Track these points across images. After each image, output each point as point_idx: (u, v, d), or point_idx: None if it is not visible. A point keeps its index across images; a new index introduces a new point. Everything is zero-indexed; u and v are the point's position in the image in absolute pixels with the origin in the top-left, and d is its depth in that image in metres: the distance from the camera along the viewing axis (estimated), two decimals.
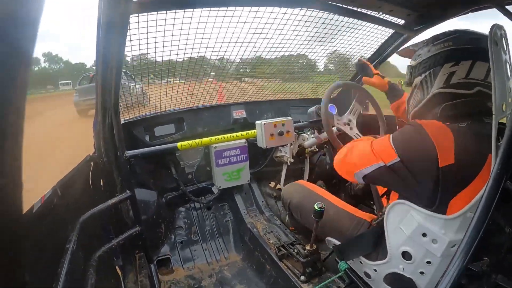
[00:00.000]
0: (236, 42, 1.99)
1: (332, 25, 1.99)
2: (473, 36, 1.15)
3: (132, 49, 1.66)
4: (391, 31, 2.09)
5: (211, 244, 2.47)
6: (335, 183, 2.65)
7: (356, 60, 1.97)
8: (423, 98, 1.27)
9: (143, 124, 2.41)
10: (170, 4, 1.43)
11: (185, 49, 1.87)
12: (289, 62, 2.81)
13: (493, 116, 0.91)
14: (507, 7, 1.26)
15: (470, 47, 1.14)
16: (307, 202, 1.76)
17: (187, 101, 2.53)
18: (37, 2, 0.41)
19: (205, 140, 2.21)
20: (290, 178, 2.60)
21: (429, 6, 1.54)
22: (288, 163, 2.54)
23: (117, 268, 1.85)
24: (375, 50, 2.41)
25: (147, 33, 1.59)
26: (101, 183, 1.94)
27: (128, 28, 1.41)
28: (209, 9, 1.58)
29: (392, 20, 1.75)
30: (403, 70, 1.42)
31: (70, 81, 39.87)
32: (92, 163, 1.84)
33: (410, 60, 1.36)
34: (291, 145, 2.48)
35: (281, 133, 2.28)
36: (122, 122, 1.86)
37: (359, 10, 1.63)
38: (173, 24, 1.59)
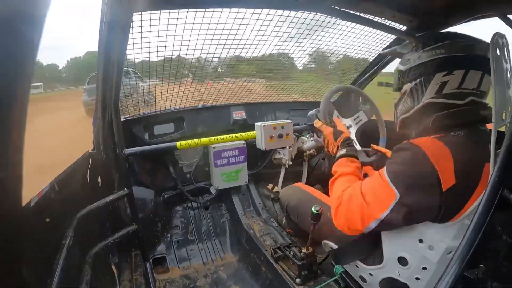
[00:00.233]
0: (234, 43, 2.00)
1: (335, 29, 2.00)
2: (465, 43, 1.12)
3: (134, 48, 1.66)
4: (393, 36, 2.10)
5: (207, 244, 2.47)
6: None
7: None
8: (413, 106, 1.23)
9: (142, 122, 2.41)
10: (175, 3, 1.42)
11: (187, 49, 1.88)
12: (290, 64, 2.81)
13: (493, 124, 0.91)
14: (509, 16, 1.26)
15: (463, 55, 1.11)
16: (304, 205, 1.75)
17: (191, 101, 2.54)
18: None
19: (204, 140, 2.21)
20: (288, 180, 2.60)
21: (431, 14, 1.54)
22: (287, 165, 2.54)
23: (112, 265, 1.84)
24: (376, 55, 2.42)
25: (149, 31, 1.59)
26: (99, 180, 1.94)
27: (131, 26, 1.40)
28: (212, 9, 1.58)
29: (394, 26, 1.75)
30: None
31: (40, 83, 36.26)
32: (90, 160, 1.84)
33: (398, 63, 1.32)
34: (290, 148, 2.48)
35: (280, 136, 2.28)
36: (122, 119, 1.86)
37: (362, 15, 1.64)
38: (176, 24, 1.59)
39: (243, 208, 2.58)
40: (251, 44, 2.05)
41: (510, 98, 0.99)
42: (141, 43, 1.64)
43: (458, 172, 1.02)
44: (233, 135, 2.33)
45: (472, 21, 1.51)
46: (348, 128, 1.95)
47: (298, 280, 1.74)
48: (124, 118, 2.27)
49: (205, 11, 1.58)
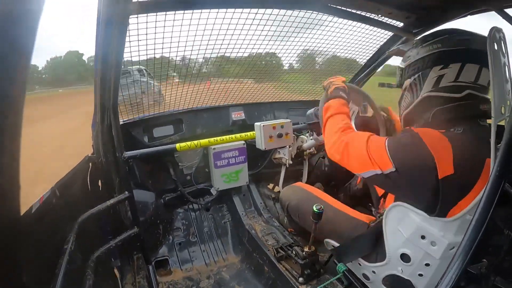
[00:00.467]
0: (230, 43, 1.99)
1: (331, 27, 2.00)
2: (462, 37, 1.14)
3: (131, 50, 1.65)
4: (390, 33, 2.09)
5: (209, 246, 2.47)
6: (333, 185, 2.65)
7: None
8: (413, 100, 1.26)
9: (142, 125, 2.41)
10: (171, 5, 1.42)
11: (191, 50, 1.89)
12: (288, 63, 2.81)
13: (492, 118, 0.91)
14: (506, 10, 1.26)
15: (459, 49, 1.13)
16: (305, 204, 1.75)
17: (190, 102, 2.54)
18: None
19: (204, 141, 2.21)
20: (289, 180, 2.60)
21: (428, 9, 1.55)
22: (287, 165, 2.54)
23: (115, 269, 1.84)
24: (374, 52, 2.42)
25: (146, 34, 1.59)
26: (100, 184, 1.93)
27: (128, 29, 1.40)
28: (208, 10, 1.58)
29: (391, 23, 1.75)
30: None
31: None
32: (90, 164, 1.84)
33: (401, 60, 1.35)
34: (289, 147, 2.48)
35: (280, 135, 2.28)
36: (120, 122, 1.86)
37: (359, 12, 1.64)
38: (172, 26, 1.59)
39: (244, 209, 2.58)
40: (248, 44, 2.04)
41: (508, 92, 0.99)
42: (138, 45, 1.64)
43: (457, 164, 1.04)
44: (233, 135, 2.33)
45: (469, 16, 1.51)
46: None
47: (301, 279, 1.73)
48: (123, 121, 2.27)
49: (201, 12, 1.58)
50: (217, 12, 1.61)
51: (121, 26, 1.32)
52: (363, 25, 1.96)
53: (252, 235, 2.22)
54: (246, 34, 1.91)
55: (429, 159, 1.05)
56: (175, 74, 2.25)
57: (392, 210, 1.24)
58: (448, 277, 0.81)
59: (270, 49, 2.23)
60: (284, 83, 3.04)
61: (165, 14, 1.49)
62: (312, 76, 3.02)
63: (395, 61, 1.53)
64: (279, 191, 2.61)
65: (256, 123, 2.31)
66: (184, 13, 1.53)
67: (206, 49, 1.94)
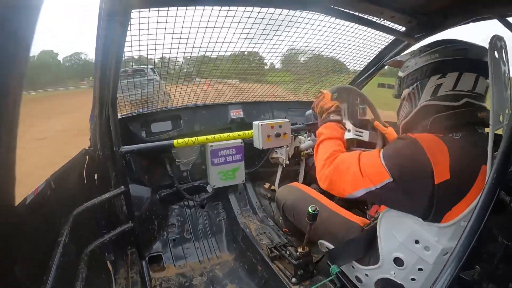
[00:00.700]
0: (232, 41, 1.99)
1: (333, 28, 2.00)
2: (459, 47, 1.15)
3: (132, 45, 1.65)
4: (392, 37, 2.10)
5: (204, 243, 2.47)
6: None
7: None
8: (412, 110, 1.26)
9: (140, 119, 2.40)
10: (174, 1, 1.41)
11: (192, 47, 1.88)
12: (290, 64, 2.81)
13: (491, 126, 0.91)
14: (508, 18, 1.27)
15: (456, 59, 1.14)
16: (301, 204, 1.76)
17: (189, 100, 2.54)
18: None
19: (202, 138, 2.21)
20: (285, 179, 2.61)
21: (431, 15, 1.55)
22: (284, 164, 2.54)
23: (108, 263, 1.84)
24: (375, 56, 2.42)
25: (147, 29, 1.58)
26: (96, 178, 1.93)
27: (130, 23, 1.40)
28: (211, 7, 1.57)
29: (393, 27, 1.75)
30: None
31: None
32: (87, 157, 1.83)
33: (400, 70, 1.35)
34: (287, 147, 2.48)
35: (278, 135, 2.28)
36: (119, 117, 1.85)
37: (361, 15, 1.64)
38: (174, 22, 1.59)
39: (240, 207, 2.58)
40: (242, 43, 2.06)
41: (507, 100, 1.00)
42: (139, 40, 1.63)
43: (453, 169, 1.04)
44: (231, 133, 2.33)
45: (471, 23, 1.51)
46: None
47: (294, 279, 1.74)
48: (121, 115, 2.26)
49: (203, 9, 1.57)
50: (220, 10, 1.61)
51: (123, 20, 1.31)
52: (365, 28, 1.97)
53: (247, 233, 2.23)
54: (248, 33, 1.92)
55: (426, 164, 1.05)
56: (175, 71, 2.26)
57: (387, 214, 1.25)
58: (441, 283, 0.81)
59: (259, 49, 2.24)
60: (283, 83, 3.04)
61: (167, 10, 1.49)
62: (311, 77, 3.02)
63: None
64: (275, 191, 2.62)
65: (254, 122, 2.31)
66: (186, 9, 1.52)
67: (207, 46, 1.95)
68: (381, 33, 2.02)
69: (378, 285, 1.36)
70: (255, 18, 1.75)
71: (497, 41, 0.97)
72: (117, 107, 1.76)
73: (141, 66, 2.26)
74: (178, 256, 2.35)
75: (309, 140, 2.44)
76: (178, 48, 1.83)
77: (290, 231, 2.16)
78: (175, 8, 1.48)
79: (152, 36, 1.65)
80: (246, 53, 2.29)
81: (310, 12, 1.75)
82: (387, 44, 2.22)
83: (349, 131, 1.92)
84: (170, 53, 1.85)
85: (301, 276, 1.74)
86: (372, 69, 2.52)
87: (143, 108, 2.45)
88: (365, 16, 1.65)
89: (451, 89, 1.14)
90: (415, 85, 1.23)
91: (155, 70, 2.71)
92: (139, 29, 1.55)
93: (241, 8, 1.63)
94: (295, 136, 2.54)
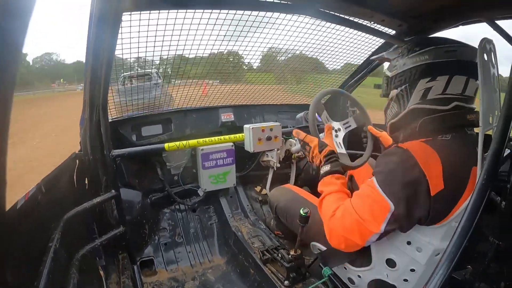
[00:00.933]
0: (229, 44, 2.01)
1: (324, 31, 2.02)
2: (449, 49, 1.13)
3: (122, 48, 1.65)
4: (382, 40, 2.12)
5: (195, 247, 2.46)
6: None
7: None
8: (400, 111, 1.25)
9: (130, 123, 2.38)
10: (166, 4, 1.41)
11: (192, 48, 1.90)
12: (285, 66, 2.82)
13: (480, 128, 0.92)
14: (497, 22, 1.29)
15: (447, 61, 1.12)
16: (294, 206, 1.75)
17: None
18: None
19: (193, 142, 2.20)
20: (276, 182, 2.60)
21: (421, 18, 1.57)
22: (275, 167, 2.54)
23: (99, 268, 1.81)
24: (364, 59, 2.44)
25: (138, 31, 1.58)
26: (86, 182, 1.90)
27: (121, 26, 1.39)
28: (202, 10, 1.57)
29: (383, 30, 1.77)
30: None
31: None
32: (77, 161, 1.81)
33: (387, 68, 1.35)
34: (278, 150, 2.49)
35: (269, 138, 2.28)
36: (109, 120, 1.83)
37: (351, 19, 1.65)
38: (165, 24, 1.59)
39: (231, 210, 2.57)
40: (233, 45, 2.08)
41: (497, 102, 1.01)
42: (130, 42, 1.63)
43: (446, 177, 1.04)
44: (222, 137, 2.33)
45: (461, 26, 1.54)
46: (336, 131, 1.90)
47: (286, 282, 1.74)
48: (112, 118, 2.24)
49: (194, 12, 1.57)
50: (211, 12, 1.61)
51: (115, 22, 1.30)
52: (355, 31, 1.99)
53: (238, 237, 2.22)
54: (239, 36, 1.93)
55: (422, 180, 1.04)
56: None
57: None
58: (433, 283, 0.82)
59: (244, 49, 2.24)
60: (274, 85, 3.04)
61: (159, 13, 1.48)
62: (299, 77, 3.04)
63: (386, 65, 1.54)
64: (266, 194, 2.62)
65: (245, 125, 2.31)
66: (178, 12, 1.52)
67: (198, 48, 1.94)
68: (370, 36, 2.05)
69: (371, 286, 1.37)
70: (238, 20, 1.77)
71: (486, 44, 0.99)
72: (107, 110, 1.74)
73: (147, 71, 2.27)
74: (169, 260, 2.33)
75: (300, 143, 2.45)
76: (168, 50, 1.84)
77: (283, 233, 2.16)
78: (166, 11, 1.48)
79: (143, 39, 1.65)
80: (226, 53, 2.29)
81: (301, 15, 1.77)
82: (377, 47, 2.24)
83: (336, 131, 1.88)
84: (168, 54, 1.86)
85: (294, 278, 1.74)
86: (362, 72, 2.54)
87: (133, 112, 2.42)
88: (355, 20, 1.66)
89: (441, 93, 1.13)
90: (403, 86, 1.21)
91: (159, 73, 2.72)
92: (130, 32, 1.55)
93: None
94: (286, 139, 2.54)
